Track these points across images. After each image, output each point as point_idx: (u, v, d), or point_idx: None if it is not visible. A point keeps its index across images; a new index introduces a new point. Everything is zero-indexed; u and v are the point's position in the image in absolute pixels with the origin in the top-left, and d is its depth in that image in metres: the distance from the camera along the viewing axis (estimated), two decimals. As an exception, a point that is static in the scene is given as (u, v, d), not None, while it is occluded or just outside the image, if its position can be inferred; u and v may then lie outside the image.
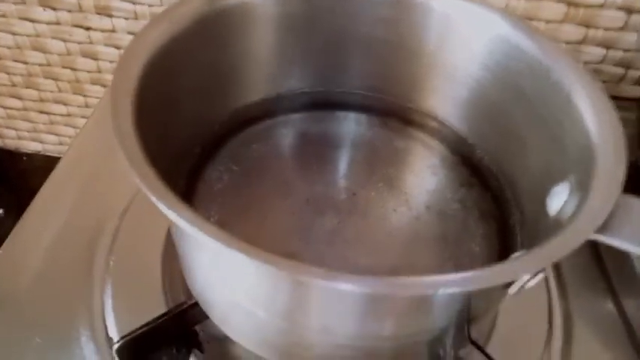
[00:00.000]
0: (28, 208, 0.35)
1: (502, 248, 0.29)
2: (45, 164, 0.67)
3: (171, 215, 0.17)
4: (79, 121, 0.62)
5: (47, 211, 0.35)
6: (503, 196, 0.31)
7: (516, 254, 0.24)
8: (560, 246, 0.17)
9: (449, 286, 0.16)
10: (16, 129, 0.65)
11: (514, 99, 0.28)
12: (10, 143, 0.67)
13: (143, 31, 0.24)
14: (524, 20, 0.28)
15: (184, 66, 0.27)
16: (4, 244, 0.33)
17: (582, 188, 0.21)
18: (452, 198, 0.32)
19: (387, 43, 0.32)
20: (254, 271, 0.18)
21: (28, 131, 0.65)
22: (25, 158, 0.67)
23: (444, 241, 0.30)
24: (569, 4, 0.45)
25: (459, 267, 0.29)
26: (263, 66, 0.32)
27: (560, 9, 0.45)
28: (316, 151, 0.34)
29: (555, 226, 0.21)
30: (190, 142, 0.31)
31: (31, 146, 0.67)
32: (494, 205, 0.31)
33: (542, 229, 0.24)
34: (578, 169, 0.22)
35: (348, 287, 0.16)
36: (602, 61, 0.48)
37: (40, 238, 0.33)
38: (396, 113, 0.35)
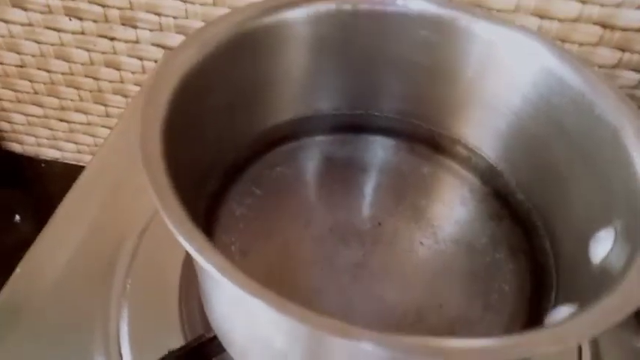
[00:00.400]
0: (47, 223, 0.35)
1: (534, 286, 0.28)
2: (63, 171, 0.68)
3: (201, 261, 0.16)
4: (99, 130, 0.62)
5: (67, 226, 0.35)
6: (536, 232, 0.29)
7: (556, 313, 0.23)
8: (615, 309, 0.16)
9: (486, 354, 0.15)
10: (35, 136, 0.65)
11: (555, 133, 0.27)
12: (30, 150, 0.67)
13: (173, 53, 0.23)
14: (571, 52, 0.26)
15: (213, 87, 0.26)
16: (22, 262, 0.32)
17: (631, 238, 0.20)
18: (481, 231, 0.31)
19: (422, 67, 0.31)
20: (287, 326, 0.17)
21: (47, 138, 0.65)
22: (43, 165, 0.68)
23: (473, 277, 0.28)
24: (605, 27, 0.43)
25: (487, 306, 0.27)
26: (292, 87, 0.32)
27: (595, 32, 0.44)
28: (341, 176, 0.33)
29: (601, 276, 0.20)
30: (214, 165, 0.30)
31: (49, 153, 0.67)
32: (526, 241, 0.30)
33: (584, 275, 0.22)
34: (625, 215, 0.21)
35: (379, 349, 0.15)
36: (636, 86, 0.47)
37: (59, 254, 0.33)
38: (425, 139, 0.34)
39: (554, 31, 0.44)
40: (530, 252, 0.29)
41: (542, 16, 0.44)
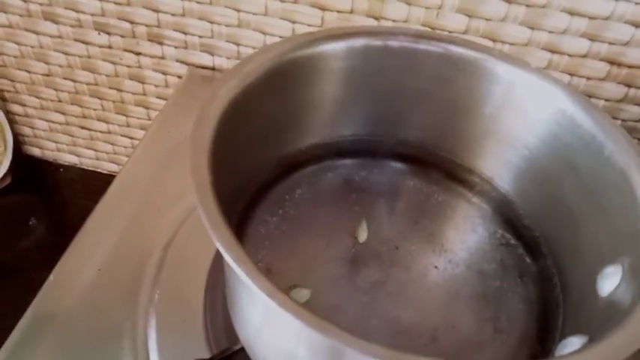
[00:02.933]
0: (77, 235, 0.36)
1: (542, 312, 0.29)
2: (80, 177, 0.69)
3: (254, 289, 0.17)
4: (119, 138, 0.64)
5: (95, 238, 0.36)
6: (544, 261, 0.31)
7: (566, 344, 0.24)
8: (623, 344, 0.17)
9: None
10: (56, 142, 0.67)
11: (565, 170, 0.29)
12: (49, 155, 0.69)
13: (217, 86, 0.25)
14: (583, 95, 0.28)
15: (250, 117, 0.28)
16: (55, 270, 0.34)
17: (638, 275, 0.21)
18: (491, 257, 0.32)
19: (443, 101, 0.33)
20: (325, 345, 0.19)
21: (67, 144, 0.67)
22: (61, 170, 0.69)
23: (484, 301, 0.30)
24: (612, 64, 0.45)
25: (497, 330, 0.29)
26: (320, 114, 0.34)
27: (603, 68, 0.46)
28: (361, 199, 0.35)
29: (609, 310, 0.22)
30: (242, 186, 0.32)
31: (68, 159, 0.69)
32: (535, 268, 0.32)
33: (592, 307, 0.24)
34: (632, 254, 0.23)
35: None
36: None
37: (88, 265, 0.34)
38: (441, 167, 0.36)
39: (563, 65, 0.47)
40: (539, 280, 0.31)
41: (552, 51, 0.46)
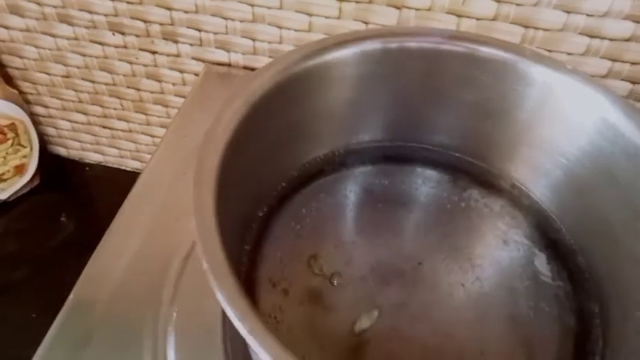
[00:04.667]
0: (95, 250, 0.36)
1: (580, 337, 0.27)
2: (105, 174, 0.70)
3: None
4: (140, 137, 0.64)
5: (113, 253, 0.36)
6: (581, 276, 0.29)
7: None
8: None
9: None
10: (80, 141, 0.67)
11: (604, 182, 0.26)
12: (75, 154, 0.70)
13: (226, 102, 0.24)
14: (628, 101, 0.25)
15: (261, 131, 0.26)
16: (75, 287, 0.34)
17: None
18: (523, 273, 0.30)
19: (470, 104, 0.30)
20: None
21: (91, 143, 0.67)
22: (87, 168, 0.70)
23: (514, 323, 0.28)
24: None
25: (529, 356, 0.27)
26: (335, 121, 0.32)
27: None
28: (382, 210, 0.33)
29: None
30: (258, 201, 0.30)
31: (93, 157, 0.70)
32: (571, 285, 0.29)
33: (633, 333, 0.22)
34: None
35: None
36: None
37: (106, 281, 0.34)
38: (470, 173, 0.33)
39: (603, 51, 0.43)
40: (576, 298, 0.29)
41: (591, 36, 0.42)
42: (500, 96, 0.29)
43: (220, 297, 0.17)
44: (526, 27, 0.43)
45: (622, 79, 0.45)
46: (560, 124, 0.27)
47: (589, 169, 0.27)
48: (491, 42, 0.28)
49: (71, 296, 0.33)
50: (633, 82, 0.45)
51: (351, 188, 0.34)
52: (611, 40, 0.42)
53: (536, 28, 0.43)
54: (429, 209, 0.33)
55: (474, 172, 0.33)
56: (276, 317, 0.27)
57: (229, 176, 0.23)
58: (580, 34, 0.42)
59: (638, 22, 0.40)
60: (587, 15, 0.41)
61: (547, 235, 0.31)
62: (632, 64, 0.43)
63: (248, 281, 0.28)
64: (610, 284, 0.26)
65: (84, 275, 0.34)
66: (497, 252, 0.31)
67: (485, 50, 0.28)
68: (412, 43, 0.28)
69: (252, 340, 0.17)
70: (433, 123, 0.33)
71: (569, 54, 0.44)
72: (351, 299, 0.29)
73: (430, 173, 0.34)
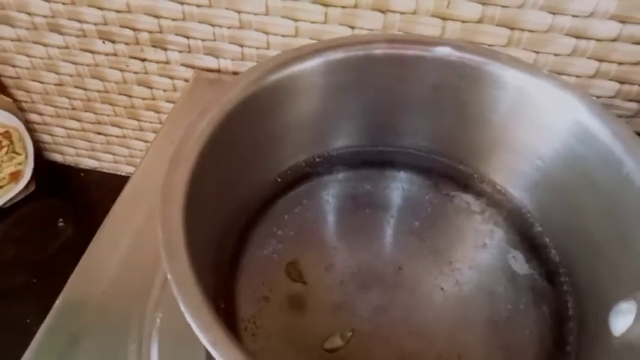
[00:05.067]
0: (82, 258, 0.36)
1: (556, 342, 0.27)
2: (100, 180, 0.71)
3: None
4: (133, 142, 0.64)
5: (100, 261, 0.36)
6: (559, 279, 0.29)
7: None
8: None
9: None
10: (75, 147, 0.68)
11: (583, 185, 0.26)
12: (70, 160, 0.70)
13: (195, 119, 0.24)
14: (601, 104, 0.26)
15: (235, 143, 0.27)
16: (62, 293, 0.34)
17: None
18: (503, 275, 0.30)
19: (449, 108, 0.31)
20: None
21: (85, 150, 0.68)
22: (82, 174, 0.71)
23: (494, 327, 0.28)
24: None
25: (508, 358, 0.27)
26: (309, 129, 0.32)
27: (636, 50, 0.42)
28: (363, 215, 0.33)
29: (622, 350, 0.20)
30: (238, 210, 0.31)
31: (88, 163, 0.70)
32: (551, 291, 0.29)
33: (606, 345, 0.22)
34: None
35: None
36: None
37: (94, 287, 0.35)
38: (450, 176, 0.34)
39: (590, 51, 0.43)
40: (555, 305, 0.29)
41: (578, 37, 0.42)
42: (476, 100, 0.29)
43: (184, 309, 0.18)
44: (512, 29, 0.43)
45: (610, 79, 0.45)
46: (535, 127, 0.28)
47: (565, 171, 0.27)
48: (464, 46, 0.28)
49: (58, 302, 0.33)
50: (621, 82, 0.45)
51: (332, 193, 0.34)
52: (597, 40, 0.42)
53: (522, 30, 0.43)
54: (410, 213, 0.33)
55: (455, 176, 0.33)
56: (256, 323, 0.28)
57: (204, 187, 0.23)
58: (566, 35, 0.42)
59: (623, 22, 0.40)
60: (573, 16, 0.41)
61: (526, 237, 0.31)
62: (620, 64, 0.43)
63: (228, 289, 0.28)
64: (587, 286, 0.26)
65: (73, 277, 0.35)
66: (477, 255, 0.31)
67: (457, 54, 0.28)
68: (379, 51, 0.29)
69: (215, 353, 0.17)
70: (412, 127, 0.33)
71: (556, 55, 0.44)
72: (330, 305, 0.29)
73: (411, 177, 0.34)
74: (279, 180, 0.33)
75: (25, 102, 0.62)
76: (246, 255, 0.30)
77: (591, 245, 0.26)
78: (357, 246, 0.32)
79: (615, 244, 0.24)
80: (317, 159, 0.34)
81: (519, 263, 0.30)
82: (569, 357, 0.25)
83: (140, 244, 0.37)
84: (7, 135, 0.61)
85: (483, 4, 0.41)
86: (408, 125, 0.33)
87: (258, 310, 0.28)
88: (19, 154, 0.63)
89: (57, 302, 0.34)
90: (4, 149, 0.61)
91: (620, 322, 0.21)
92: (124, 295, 0.34)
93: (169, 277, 0.18)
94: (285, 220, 0.32)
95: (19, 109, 0.62)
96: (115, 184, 0.71)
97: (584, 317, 0.26)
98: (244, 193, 0.30)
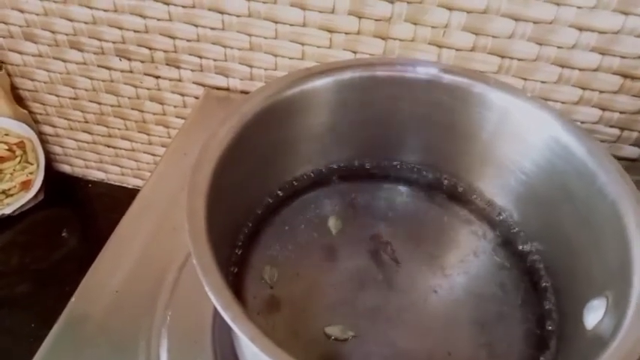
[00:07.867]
0: (96, 259, 0.39)
1: (539, 340, 0.30)
2: (107, 191, 0.73)
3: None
4: (142, 155, 0.67)
5: (113, 262, 0.38)
6: (544, 287, 0.31)
7: None
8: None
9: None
10: (84, 159, 0.70)
11: (562, 197, 0.29)
12: (79, 171, 0.73)
13: (216, 130, 0.27)
14: (577, 124, 0.29)
15: (249, 152, 0.29)
16: (76, 292, 0.36)
17: (620, 309, 0.22)
18: (492, 280, 0.33)
19: (440, 125, 0.34)
20: None
21: (94, 162, 0.70)
22: (90, 185, 0.73)
23: (481, 327, 0.31)
24: (626, 77, 0.45)
25: (493, 356, 0.29)
26: (316, 141, 0.35)
27: (616, 81, 0.45)
28: (362, 222, 0.36)
29: (594, 344, 0.22)
30: (248, 210, 0.33)
31: (96, 175, 0.73)
32: (535, 294, 0.32)
33: (581, 340, 0.24)
34: (616, 288, 0.23)
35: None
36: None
37: (106, 287, 0.37)
38: (442, 188, 0.36)
39: (574, 79, 0.46)
40: (538, 307, 0.31)
41: (562, 66, 0.45)
42: (466, 118, 0.32)
43: (207, 287, 0.20)
44: (502, 57, 0.46)
45: (592, 106, 0.48)
46: (519, 144, 0.31)
47: (546, 185, 0.30)
48: (456, 70, 0.31)
49: (72, 299, 0.35)
50: (603, 109, 0.48)
51: (334, 202, 0.37)
52: (580, 70, 0.45)
53: (512, 58, 0.46)
54: (406, 222, 0.36)
55: (448, 188, 0.36)
56: (262, 316, 0.30)
57: (222, 185, 0.26)
58: (552, 64, 0.46)
59: (603, 54, 0.44)
60: (558, 47, 0.44)
61: (512, 244, 0.33)
62: (601, 92, 0.47)
63: (236, 283, 0.31)
64: (566, 288, 0.29)
65: (84, 281, 0.37)
66: (468, 261, 0.34)
67: (448, 77, 0.31)
68: (381, 72, 0.32)
69: (235, 326, 0.19)
70: (410, 143, 0.36)
71: (543, 82, 0.47)
72: (329, 303, 0.31)
73: (408, 189, 0.37)
74: (286, 189, 0.35)
75: (40, 114, 0.65)
76: (253, 254, 0.33)
77: (570, 250, 0.29)
78: (356, 251, 0.34)
79: (591, 249, 0.27)
80: (320, 171, 0.37)
81: (507, 271, 0.33)
82: (549, 352, 0.27)
83: (151, 250, 0.39)
84: (21, 145, 0.63)
85: (476, 34, 0.45)
86: (408, 142, 0.36)
87: (263, 305, 0.30)
88: (31, 163, 0.65)
89: (71, 300, 0.36)
90: (18, 159, 0.64)
91: (592, 316, 0.23)
92: (136, 295, 0.37)
93: (194, 261, 0.21)
94: (289, 226, 0.35)
95: (33, 121, 0.65)
96: (120, 195, 0.74)
97: (563, 315, 0.28)
98: (254, 196, 0.33)
